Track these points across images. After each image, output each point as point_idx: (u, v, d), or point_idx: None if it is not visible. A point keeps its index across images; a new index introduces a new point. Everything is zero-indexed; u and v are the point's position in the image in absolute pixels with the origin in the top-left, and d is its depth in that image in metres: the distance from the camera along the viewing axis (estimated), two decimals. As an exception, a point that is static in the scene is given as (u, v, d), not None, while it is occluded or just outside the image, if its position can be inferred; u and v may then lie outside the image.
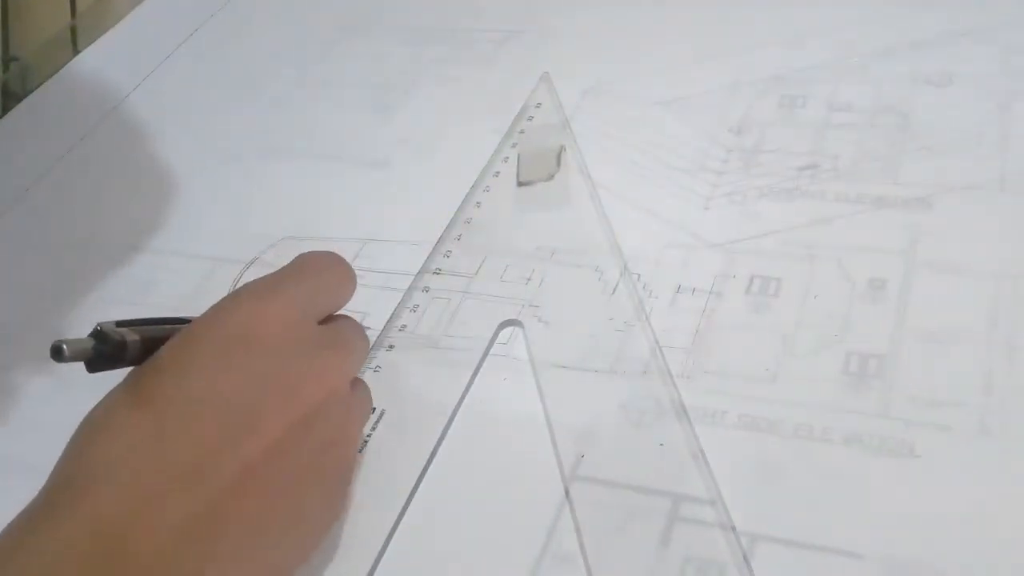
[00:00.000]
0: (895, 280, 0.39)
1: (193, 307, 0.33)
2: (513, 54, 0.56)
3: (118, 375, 0.30)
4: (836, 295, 0.39)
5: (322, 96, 0.56)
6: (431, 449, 0.36)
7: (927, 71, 0.48)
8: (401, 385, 0.39)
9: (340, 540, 0.34)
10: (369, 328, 0.38)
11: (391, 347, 0.40)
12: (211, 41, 0.63)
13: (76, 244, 0.49)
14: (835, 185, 0.43)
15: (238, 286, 0.38)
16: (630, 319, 0.39)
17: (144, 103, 0.59)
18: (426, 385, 0.38)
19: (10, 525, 0.27)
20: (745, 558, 0.31)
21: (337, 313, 0.36)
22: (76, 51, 0.64)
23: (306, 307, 0.33)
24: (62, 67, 0.63)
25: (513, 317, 0.40)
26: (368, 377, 0.38)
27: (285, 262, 0.35)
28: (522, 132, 0.49)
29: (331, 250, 0.36)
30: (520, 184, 0.47)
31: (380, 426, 0.37)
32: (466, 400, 0.38)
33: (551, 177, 0.47)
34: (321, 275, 0.35)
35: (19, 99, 0.61)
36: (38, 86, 0.61)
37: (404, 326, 0.41)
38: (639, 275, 0.41)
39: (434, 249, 0.44)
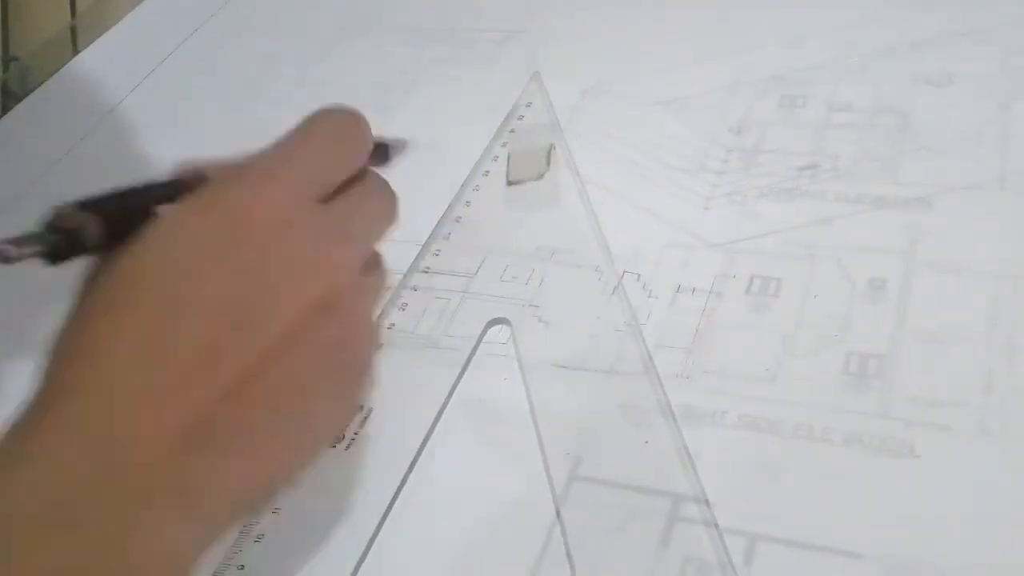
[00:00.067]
0: (895, 280, 0.39)
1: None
2: (513, 54, 0.56)
3: None
4: (836, 295, 0.39)
5: (322, 96, 0.55)
6: (417, 448, 0.36)
7: (927, 71, 0.48)
8: (389, 384, 0.38)
9: (327, 538, 0.34)
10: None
11: (379, 345, 0.40)
12: (211, 41, 0.63)
13: (76, 244, 0.49)
14: (835, 185, 0.43)
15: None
16: (630, 319, 0.39)
17: (144, 103, 0.59)
18: (415, 383, 0.38)
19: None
20: (745, 558, 0.31)
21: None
22: (76, 51, 0.64)
23: (310, 186, 0.30)
24: (62, 67, 0.63)
25: (501, 316, 0.40)
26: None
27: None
28: (512, 132, 0.49)
29: (349, 106, 0.33)
30: (510, 183, 0.47)
31: (367, 425, 0.37)
32: (466, 399, 0.38)
33: (541, 176, 0.47)
34: (331, 146, 0.31)
35: (19, 99, 0.61)
36: (38, 86, 0.61)
37: (393, 324, 0.41)
38: (639, 275, 0.41)
39: (423, 247, 0.44)
